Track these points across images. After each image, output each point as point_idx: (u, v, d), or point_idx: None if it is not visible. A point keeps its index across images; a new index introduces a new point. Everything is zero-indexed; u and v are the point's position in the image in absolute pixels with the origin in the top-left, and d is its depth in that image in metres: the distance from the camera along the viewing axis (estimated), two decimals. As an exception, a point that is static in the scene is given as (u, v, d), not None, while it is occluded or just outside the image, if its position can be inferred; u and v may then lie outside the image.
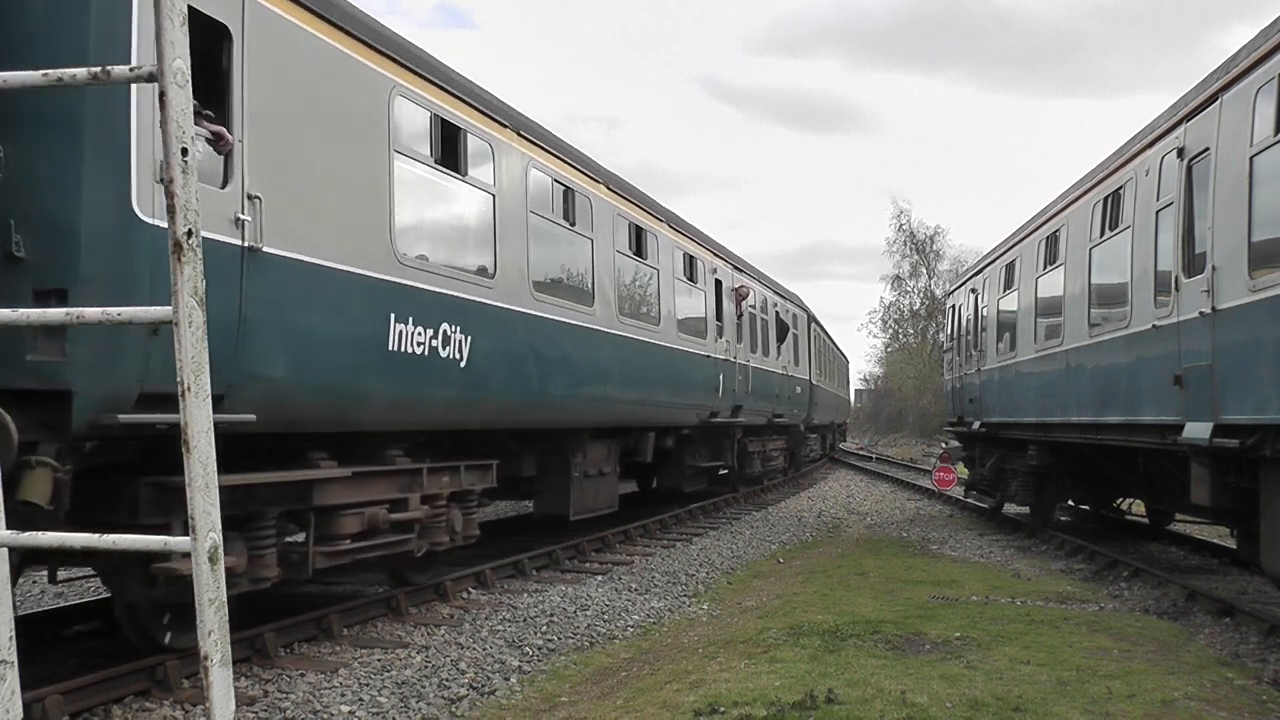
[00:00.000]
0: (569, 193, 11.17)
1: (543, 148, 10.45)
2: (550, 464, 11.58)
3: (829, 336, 38.37)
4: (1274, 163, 7.34)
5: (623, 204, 13.03)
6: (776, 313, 22.71)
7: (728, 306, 18.20)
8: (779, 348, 22.74)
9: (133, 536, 1.93)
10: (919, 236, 65.81)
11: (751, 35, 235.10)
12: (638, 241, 13.50)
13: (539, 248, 10.20)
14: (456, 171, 8.64)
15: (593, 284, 11.65)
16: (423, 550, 8.50)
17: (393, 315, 7.43)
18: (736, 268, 19.48)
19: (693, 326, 15.88)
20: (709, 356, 16.48)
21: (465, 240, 8.91)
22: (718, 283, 17.67)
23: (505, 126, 9.56)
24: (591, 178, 11.88)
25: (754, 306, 20.26)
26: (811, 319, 29.46)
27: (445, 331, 8.11)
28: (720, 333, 17.45)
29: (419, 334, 7.73)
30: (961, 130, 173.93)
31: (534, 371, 9.86)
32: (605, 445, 12.77)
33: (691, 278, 16.05)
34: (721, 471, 19.48)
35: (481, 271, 8.96)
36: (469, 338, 8.45)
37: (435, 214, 8.58)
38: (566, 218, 11.06)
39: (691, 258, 16.11)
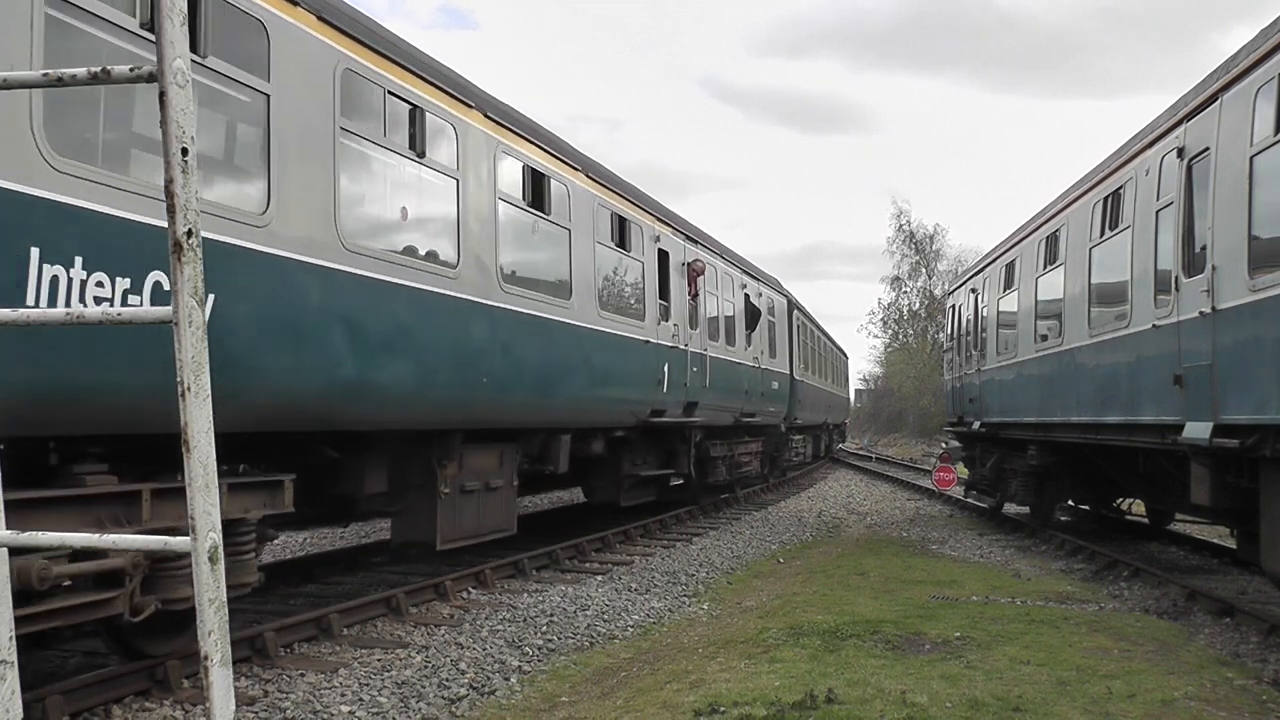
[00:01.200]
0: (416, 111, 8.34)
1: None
2: (408, 477, 8.89)
3: (820, 329, 34.84)
4: (1274, 163, 7.34)
5: (509, 137, 9.66)
6: (746, 296, 19.58)
7: (677, 284, 15.12)
8: (749, 336, 19.64)
9: (132, 536, 1.93)
10: (919, 236, 65.88)
11: (753, 36, 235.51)
12: (534, 190, 10.24)
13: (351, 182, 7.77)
14: None
15: (459, 239, 8.67)
16: (148, 610, 5.71)
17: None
18: (690, 238, 16.22)
19: (624, 305, 12.91)
20: (649, 342, 13.45)
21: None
22: (662, 254, 14.58)
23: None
24: (462, 101, 8.93)
25: (715, 287, 17.38)
26: (794, 306, 26.14)
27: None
28: (665, 314, 14.42)
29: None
30: (962, 130, 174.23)
31: (348, 351, 7.05)
32: (494, 452, 9.98)
33: (623, 244, 12.88)
34: (676, 481, 16.42)
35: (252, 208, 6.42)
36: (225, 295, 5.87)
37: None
38: (414, 148, 8.18)
39: (622, 219, 12.91)
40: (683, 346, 15.04)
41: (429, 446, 8.91)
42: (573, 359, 10.95)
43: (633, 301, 13.33)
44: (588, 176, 11.75)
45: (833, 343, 40.50)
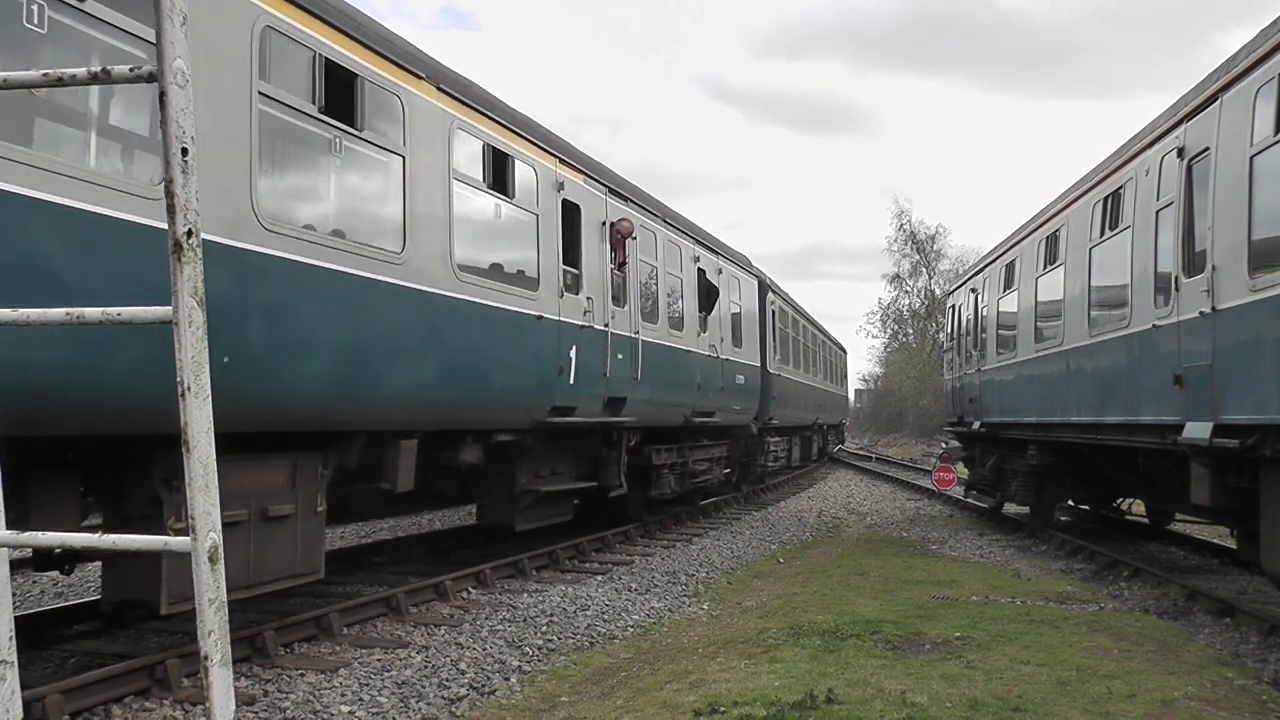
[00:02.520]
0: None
1: None
2: (124, 506, 6.30)
3: (808, 319, 30.96)
4: (1274, 163, 7.34)
5: (284, 7, 6.84)
6: (700, 271, 16.08)
7: (593, 247, 11.81)
8: (704, 320, 16.19)
9: (132, 536, 1.93)
10: (919, 236, 65.90)
11: (754, 37, 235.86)
12: (334, 93, 7.25)
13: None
14: None
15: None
16: None
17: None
18: (616, 192, 12.69)
19: (503, 268, 9.91)
20: (543, 318, 10.31)
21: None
22: (570, 207, 11.27)
23: None
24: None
25: (653, 256, 14.00)
26: (770, 289, 22.60)
27: None
28: (575, 285, 11.22)
29: None
30: (962, 131, 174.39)
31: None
32: (284, 467, 7.07)
33: (501, 186, 9.80)
34: (616, 493, 13.23)
35: None
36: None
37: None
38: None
39: (500, 154, 9.73)
40: (600, 326, 11.68)
41: (149, 462, 6.04)
42: (410, 336, 8.04)
43: (519, 265, 10.15)
44: (438, 89, 8.58)
45: (827, 336, 37.25)
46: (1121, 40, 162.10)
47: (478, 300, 9.06)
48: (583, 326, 11.30)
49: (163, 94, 1.74)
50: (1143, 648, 7.35)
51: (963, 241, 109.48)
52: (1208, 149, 8.45)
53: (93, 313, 1.89)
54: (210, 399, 1.81)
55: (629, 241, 12.76)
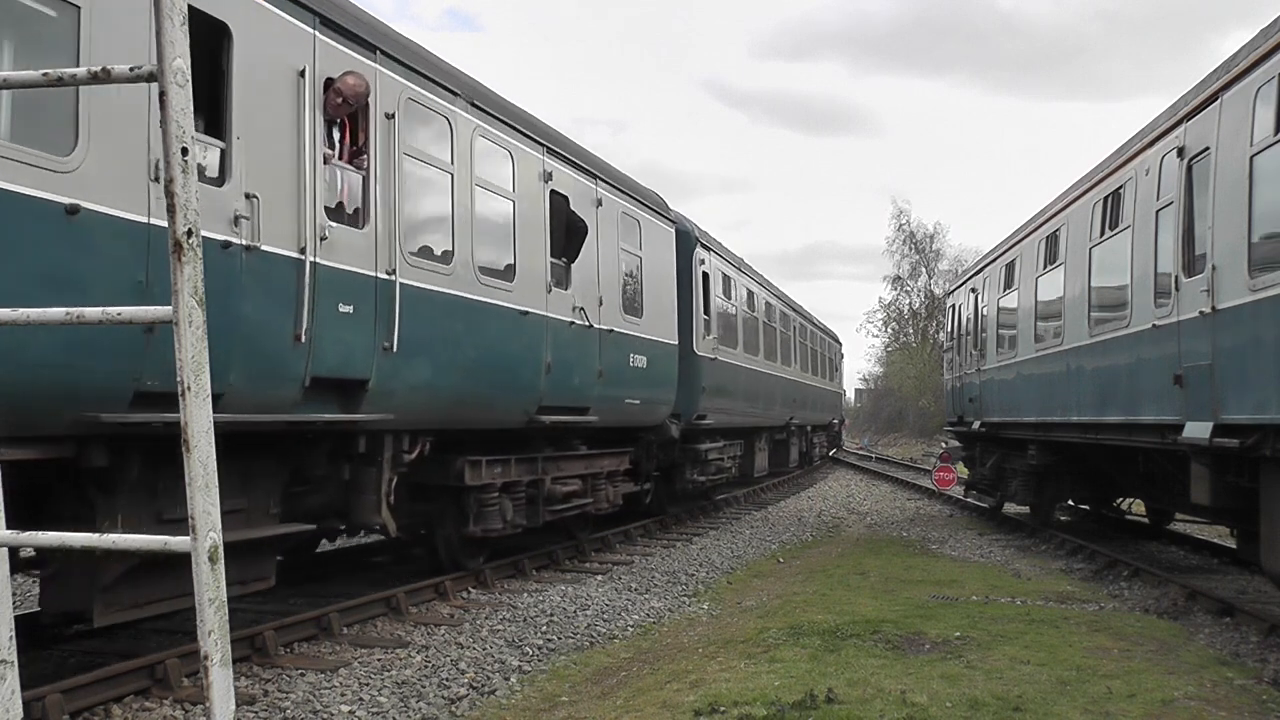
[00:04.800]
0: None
1: None
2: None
3: (775, 293, 24.52)
4: (1274, 162, 7.33)
5: None
6: (552, 194, 10.79)
7: (271, 113, 6.78)
8: (559, 269, 10.98)
9: (133, 536, 1.93)
10: (919, 236, 65.91)
11: (757, 39, 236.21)
12: None
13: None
14: None
15: None
16: None
17: None
18: (337, 28, 7.40)
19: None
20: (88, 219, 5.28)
21: None
22: (218, 31, 6.34)
23: None
24: None
25: (445, 157, 8.73)
26: (700, 243, 16.62)
27: None
28: (220, 175, 6.37)
29: None
30: (963, 132, 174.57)
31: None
32: None
33: None
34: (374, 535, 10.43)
35: None
36: None
37: None
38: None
39: None
40: (281, 252, 6.69)
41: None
42: None
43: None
44: None
45: (810, 321, 31.04)
46: (1122, 42, 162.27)
47: None
48: (228, 245, 6.17)
49: (163, 94, 1.74)
50: (1143, 647, 7.35)
51: (961, 241, 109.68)
52: (1208, 149, 8.45)
53: (92, 312, 1.89)
54: (210, 399, 1.81)
55: (376, 119, 7.69)
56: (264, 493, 7.00)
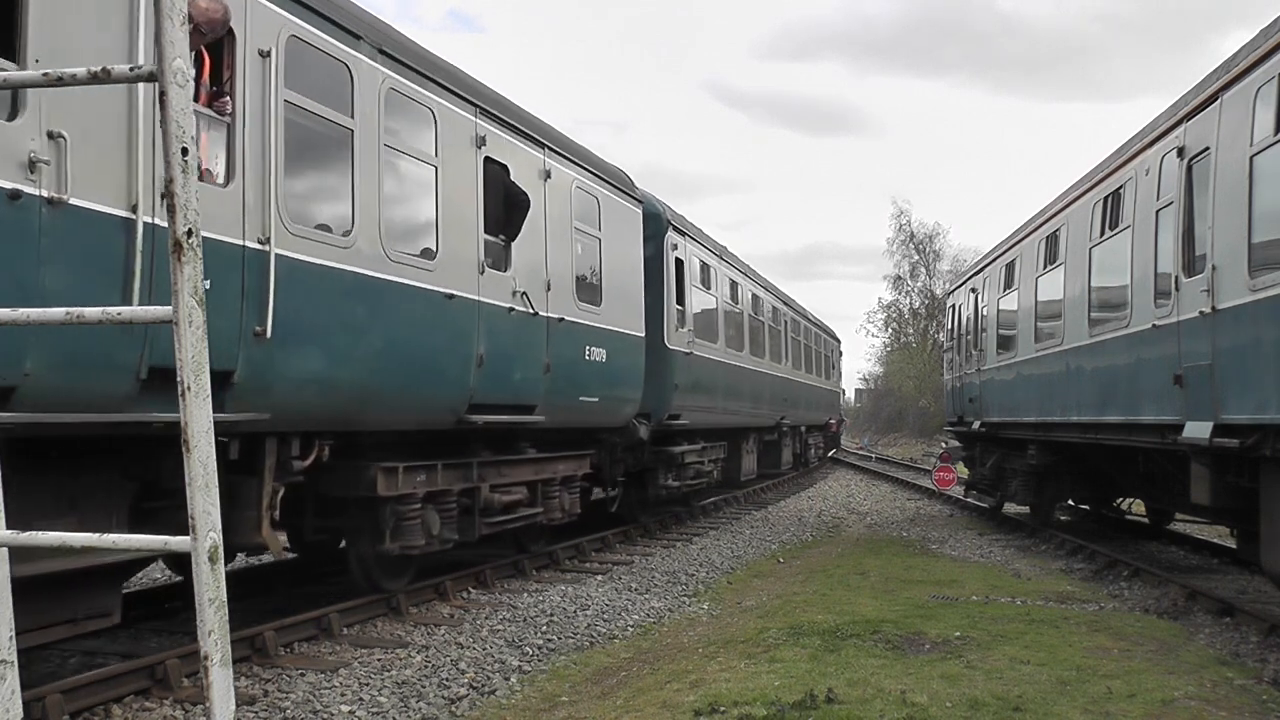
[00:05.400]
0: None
1: None
2: None
3: (764, 285, 22.84)
4: (1274, 162, 7.33)
5: None
6: (490, 162, 9.41)
7: (123, 35, 5.48)
8: (496, 248, 9.51)
9: (132, 536, 1.93)
10: (919, 236, 65.94)
11: (758, 40, 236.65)
12: None
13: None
14: None
15: None
16: None
17: None
18: None
19: None
20: None
21: None
22: None
23: None
24: None
25: (343, 111, 7.45)
26: (673, 226, 15.11)
27: None
28: (15, 104, 4.91)
29: None
30: (963, 133, 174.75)
31: None
32: None
33: None
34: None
35: None
36: None
37: None
38: None
39: None
40: (124, 213, 5.45)
41: None
42: None
43: None
44: None
45: (804, 317, 29.59)
46: (1122, 43, 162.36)
47: None
48: (17, 196, 4.87)
49: (163, 94, 1.74)
50: (1143, 647, 7.35)
51: (961, 241, 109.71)
52: (1208, 149, 8.45)
53: (92, 312, 1.89)
54: (210, 399, 1.81)
55: (246, 56, 6.47)
56: (101, 511, 5.78)
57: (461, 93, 8.99)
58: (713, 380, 16.96)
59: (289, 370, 6.69)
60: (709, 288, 17.22)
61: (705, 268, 17.03)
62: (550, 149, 10.76)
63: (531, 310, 9.94)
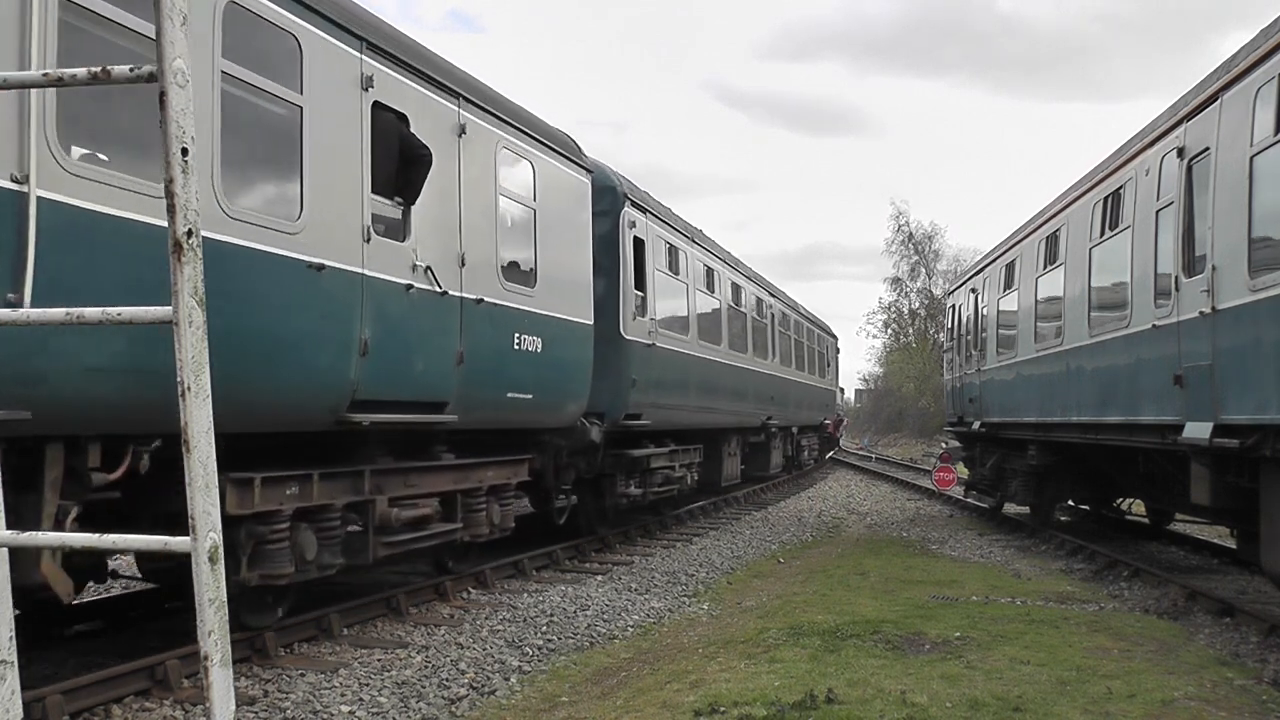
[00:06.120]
0: None
1: None
2: None
3: (744, 272, 20.74)
4: (1274, 163, 7.34)
5: None
6: (380, 108, 7.80)
7: None
8: (392, 213, 7.95)
9: (132, 536, 1.93)
10: (917, 236, 65.95)
11: (758, 40, 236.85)
12: None
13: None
14: None
15: None
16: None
17: None
18: None
19: None
20: None
21: None
22: None
23: None
24: None
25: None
26: (630, 200, 13.35)
27: None
28: None
29: None
30: (963, 133, 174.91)
31: None
32: None
33: None
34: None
35: None
36: None
37: None
38: None
39: None
40: None
41: None
42: None
43: None
44: None
45: (797, 311, 27.74)
46: (1122, 43, 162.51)
47: None
48: None
49: (163, 94, 1.74)
50: (1143, 648, 7.35)
51: (960, 242, 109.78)
52: (1208, 149, 8.45)
53: (92, 313, 1.89)
54: (210, 399, 1.81)
55: None
56: None
57: (342, 21, 7.33)
58: (682, 376, 15.28)
59: (64, 353, 5.06)
60: (677, 273, 15.46)
61: (673, 250, 15.28)
62: (467, 100, 9.02)
63: (439, 289, 8.25)
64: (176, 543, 1.81)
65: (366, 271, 7.36)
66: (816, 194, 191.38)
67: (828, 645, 7.15)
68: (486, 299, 9.03)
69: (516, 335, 9.65)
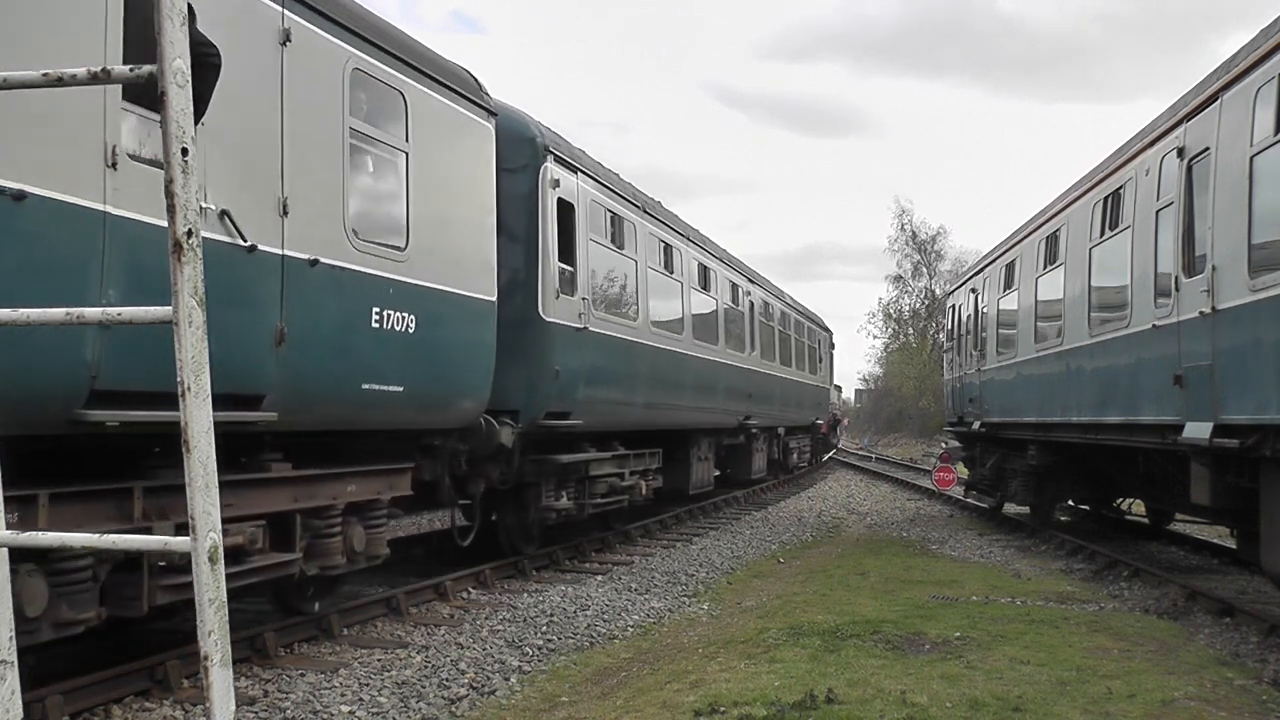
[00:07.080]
0: None
1: None
2: None
3: (716, 252, 18.32)
4: (1274, 163, 7.33)
5: None
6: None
7: None
8: (137, 123, 5.38)
9: (132, 536, 1.93)
10: (920, 236, 65.95)
11: (759, 41, 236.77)
12: None
13: None
14: None
15: None
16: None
17: None
18: None
19: None
20: None
21: None
22: None
23: None
24: None
25: None
26: (552, 154, 10.82)
27: None
28: None
29: None
30: (964, 133, 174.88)
31: None
32: None
33: None
34: None
35: None
36: None
37: None
38: None
39: None
40: None
41: None
42: None
43: None
44: None
45: (782, 300, 25.40)
46: (1122, 44, 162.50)
47: None
48: None
49: (163, 94, 1.74)
50: (1143, 648, 7.35)
51: (962, 243, 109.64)
52: (1208, 149, 8.45)
53: (92, 313, 1.89)
54: (210, 399, 1.81)
55: None
56: None
57: None
58: (627, 368, 12.86)
59: None
60: (622, 247, 12.99)
61: (616, 220, 12.78)
62: (313, 8, 6.85)
63: (244, 243, 6.08)
64: (176, 543, 1.81)
65: (111, 209, 5.12)
66: (816, 194, 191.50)
67: (828, 645, 7.15)
68: (325, 260, 6.80)
69: (376, 310, 7.39)
